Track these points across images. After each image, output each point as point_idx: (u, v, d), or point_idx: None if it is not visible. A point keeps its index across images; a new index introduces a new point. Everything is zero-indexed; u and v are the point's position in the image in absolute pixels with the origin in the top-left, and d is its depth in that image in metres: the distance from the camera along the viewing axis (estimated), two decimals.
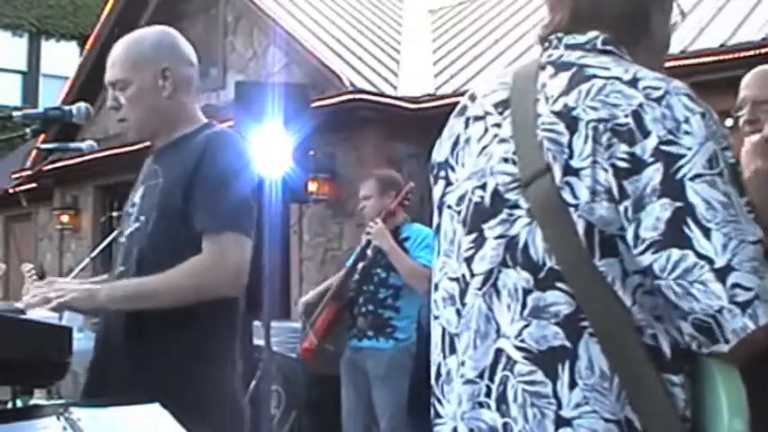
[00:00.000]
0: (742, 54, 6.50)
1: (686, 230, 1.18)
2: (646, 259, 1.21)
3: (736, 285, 1.16)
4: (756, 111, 2.41)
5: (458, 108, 1.49)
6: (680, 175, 1.19)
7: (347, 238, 8.42)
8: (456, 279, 1.38)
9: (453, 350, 1.37)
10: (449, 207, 1.43)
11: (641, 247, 1.21)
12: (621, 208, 1.22)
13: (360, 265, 4.72)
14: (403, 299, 4.57)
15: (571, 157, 1.24)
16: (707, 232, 1.18)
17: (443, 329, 1.40)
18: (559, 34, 1.39)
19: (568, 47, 1.37)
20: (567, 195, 1.24)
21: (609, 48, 1.35)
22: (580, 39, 1.37)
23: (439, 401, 1.40)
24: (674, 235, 1.19)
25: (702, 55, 6.97)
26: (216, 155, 2.20)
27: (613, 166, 1.22)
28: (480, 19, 10.91)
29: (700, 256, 1.18)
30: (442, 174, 1.46)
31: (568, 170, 1.24)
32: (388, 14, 11.61)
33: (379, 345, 4.57)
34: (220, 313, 2.21)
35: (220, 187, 2.17)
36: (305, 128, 6.26)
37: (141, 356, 2.16)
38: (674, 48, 7.28)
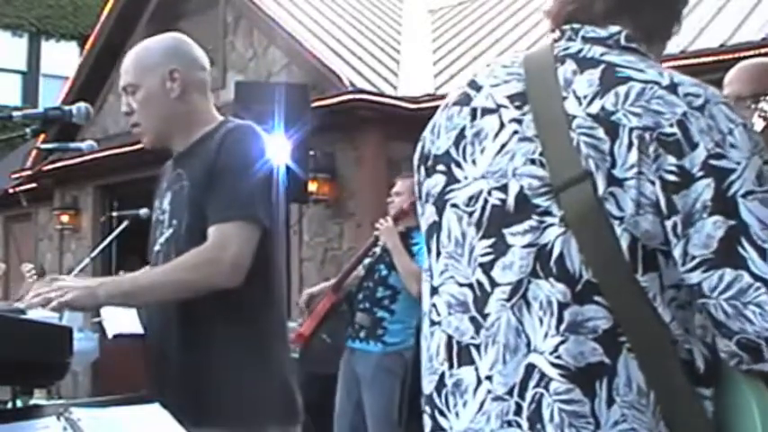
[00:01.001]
0: (742, 54, 6.48)
1: (740, 250, 1.15)
2: (695, 277, 1.17)
3: None
4: (741, 107, 2.40)
5: (456, 96, 1.39)
6: (732, 191, 1.16)
7: (347, 239, 8.42)
8: (468, 285, 1.30)
9: (468, 361, 1.29)
10: (454, 206, 1.34)
11: (690, 265, 1.17)
12: (670, 223, 1.18)
13: (365, 261, 4.73)
14: (399, 302, 4.57)
15: (613, 166, 1.19)
16: (762, 252, 1.15)
17: (449, 337, 1.32)
18: (575, 25, 1.32)
19: (587, 40, 1.30)
20: (611, 207, 1.19)
21: (632, 45, 1.30)
22: (601, 32, 1.31)
23: (442, 413, 1.33)
24: (728, 254, 1.15)
25: (702, 55, 6.97)
26: (230, 148, 2.22)
27: (662, 179, 1.17)
28: (480, 19, 10.91)
29: (755, 277, 1.15)
30: (441, 168, 1.37)
31: (612, 180, 1.19)
32: (388, 14, 11.61)
33: (368, 347, 4.59)
34: (263, 301, 2.26)
35: (229, 178, 2.19)
36: (305, 128, 6.27)
37: (194, 351, 2.21)
38: (674, 48, 7.29)
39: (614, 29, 1.31)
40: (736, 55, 6.54)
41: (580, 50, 1.29)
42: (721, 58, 6.73)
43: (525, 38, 9.34)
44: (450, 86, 8.85)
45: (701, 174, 1.17)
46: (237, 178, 2.18)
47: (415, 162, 1.44)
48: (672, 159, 1.17)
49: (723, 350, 1.19)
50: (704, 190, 1.16)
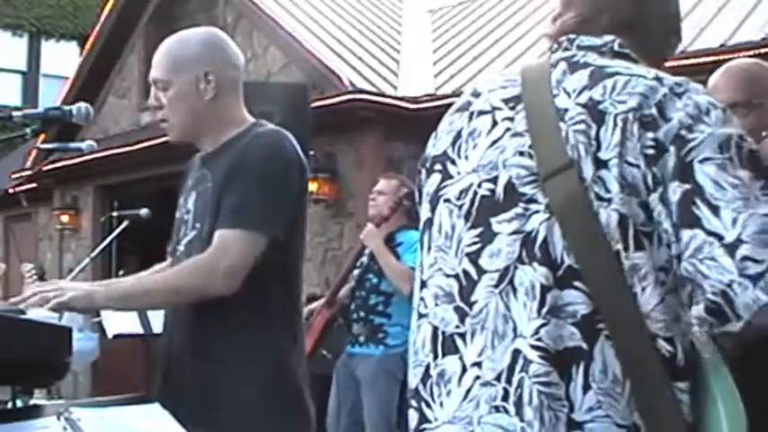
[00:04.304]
0: (742, 54, 6.48)
1: (695, 210, 1.18)
2: (676, 247, 1.21)
3: (746, 258, 1.15)
4: (737, 114, 2.38)
5: (459, 103, 1.45)
6: (689, 158, 1.20)
7: (347, 238, 8.42)
8: (454, 276, 1.33)
9: (452, 350, 1.31)
10: (446, 201, 1.38)
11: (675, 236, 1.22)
12: (655, 195, 1.21)
13: (355, 272, 4.73)
14: (394, 305, 4.56)
15: (599, 149, 1.23)
16: (715, 210, 1.17)
17: (435, 329, 1.34)
18: (571, 36, 1.38)
19: (581, 48, 1.36)
20: (599, 190, 1.22)
21: (625, 51, 1.35)
22: (595, 41, 1.36)
23: (428, 405, 1.34)
24: (686, 215, 1.19)
25: (702, 55, 6.96)
26: (252, 153, 2.18)
27: (644, 155, 1.22)
28: (480, 19, 10.91)
29: (709, 233, 1.17)
30: (438, 167, 1.41)
31: (598, 163, 1.23)
32: (388, 14, 11.61)
33: (369, 351, 4.58)
34: (273, 309, 2.23)
35: (243, 184, 2.16)
36: (305, 128, 6.26)
37: (203, 356, 2.20)
38: None
39: (608, 38, 1.36)
40: (736, 55, 6.54)
41: (574, 56, 1.35)
42: (721, 58, 6.70)
43: (525, 38, 9.33)
44: (451, 86, 8.87)
45: (670, 146, 1.21)
46: (252, 185, 2.15)
47: (419, 167, 1.49)
48: (650, 134, 1.22)
49: (697, 318, 1.21)
50: (668, 159, 1.21)
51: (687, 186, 1.19)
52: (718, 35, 7.33)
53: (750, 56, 6.11)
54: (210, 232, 2.18)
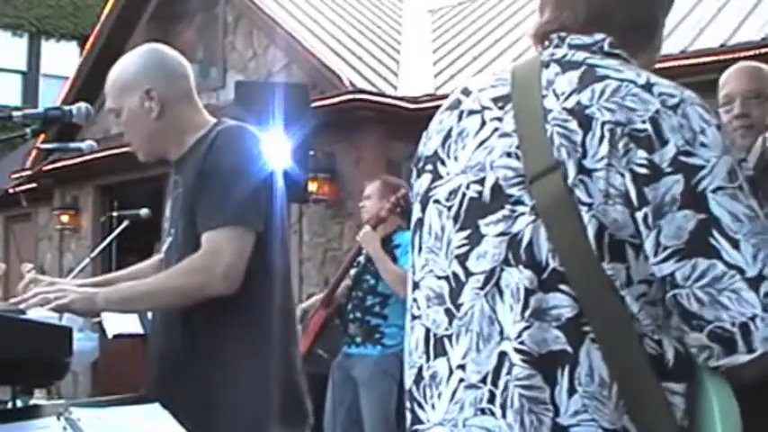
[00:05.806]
0: (742, 54, 6.48)
1: (712, 241, 1.16)
2: (667, 267, 1.18)
3: None
4: (748, 104, 2.43)
5: (449, 102, 1.44)
6: (701, 187, 1.17)
7: (347, 239, 8.42)
8: (445, 277, 1.33)
9: (442, 352, 1.31)
10: (436, 202, 1.37)
11: (663, 255, 1.18)
12: (640, 214, 1.19)
13: (351, 272, 4.73)
14: (390, 307, 4.56)
15: (584, 156, 1.21)
16: (735, 243, 1.16)
17: (427, 330, 1.34)
18: (562, 34, 1.36)
19: (572, 47, 1.34)
20: (581, 194, 1.21)
21: (615, 51, 1.33)
22: (586, 39, 1.34)
23: (420, 406, 1.35)
24: (700, 245, 1.17)
25: (702, 55, 6.97)
26: (217, 151, 2.21)
27: (632, 171, 1.19)
28: (480, 19, 10.92)
29: (729, 265, 1.16)
30: (429, 167, 1.41)
31: (582, 170, 1.21)
32: (388, 14, 11.61)
33: (366, 351, 4.58)
34: (256, 309, 2.24)
35: (217, 183, 2.18)
36: (305, 128, 6.26)
37: (193, 356, 2.22)
38: (674, 48, 7.31)
39: (599, 36, 1.34)
40: (736, 55, 6.55)
41: (565, 55, 1.33)
42: (721, 58, 6.73)
43: (525, 38, 9.31)
44: (451, 86, 8.87)
45: (670, 169, 1.18)
46: (226, 182, 2.17)
47: (412, 166, 1.48)
48: (642, 153, 1.19)
49: (693, 345, 1.20)
50: (674, 185, 1.18)
51: (702, 216, 1.17)
52: (718, 35, 7.33)
53: (750, 56, 6.12)
54: (185, 237, 2.21)
